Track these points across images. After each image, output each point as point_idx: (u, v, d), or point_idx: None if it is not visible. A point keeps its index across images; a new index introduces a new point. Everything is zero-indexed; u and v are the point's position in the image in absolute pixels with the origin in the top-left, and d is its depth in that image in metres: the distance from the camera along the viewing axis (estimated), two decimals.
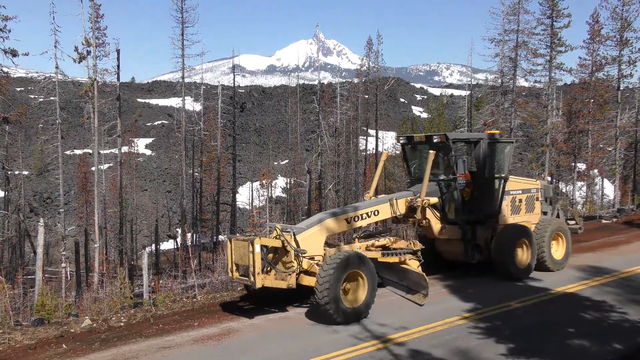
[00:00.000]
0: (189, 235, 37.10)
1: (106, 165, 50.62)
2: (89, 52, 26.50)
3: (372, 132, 45.36)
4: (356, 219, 10.50)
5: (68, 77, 29.11)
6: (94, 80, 26.63)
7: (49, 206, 64.89)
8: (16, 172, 43.57)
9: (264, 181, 48.49)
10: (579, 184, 37.29)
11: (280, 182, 64.36)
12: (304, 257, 9.43)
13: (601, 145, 35.14)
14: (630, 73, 32.45)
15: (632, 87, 36.56)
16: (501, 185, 12.00)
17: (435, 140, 11.36)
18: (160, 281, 21.43)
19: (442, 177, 11.78)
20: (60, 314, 12.11)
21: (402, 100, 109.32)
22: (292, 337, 8.49)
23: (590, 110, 33.66)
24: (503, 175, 12.03)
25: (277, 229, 9.45)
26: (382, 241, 10.99)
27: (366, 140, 47.17)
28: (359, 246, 10.55)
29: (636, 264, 13.17)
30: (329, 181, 41.43)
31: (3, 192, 34.51)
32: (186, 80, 35.65)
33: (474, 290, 11.05)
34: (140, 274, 20.07)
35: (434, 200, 11.22)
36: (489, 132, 12.53)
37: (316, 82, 55.00)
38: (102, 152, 37.60)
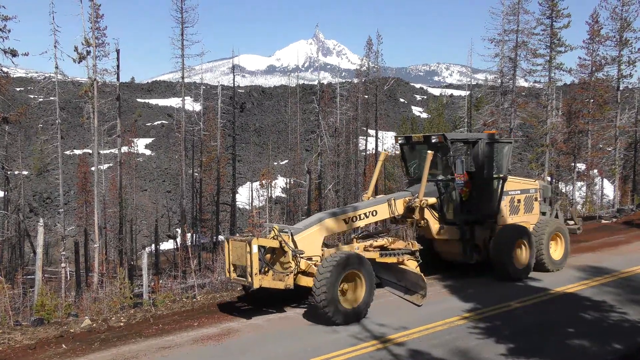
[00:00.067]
0: (188, 235, 37.10)
1: (106, 166, 50.63)
2: (88, 52, 26.50)
3: (371, 132, 45.37)
4: (354, 220, 10.47)
5: (68, 77, 29.12)
6: (93, 80, 26.62)
7: (49, 206, 64.88)
8: (16, 172, 43.57)
9: (263, 181, 48.49)
10: (579, 184, 37.30)
11: (280, 182, 64.37)
12: (302, 257, 9.41)
13: (601, 146, 35.16)
14: (630, 73, 32.50)
15: (631, 87, 36.57)
16: (500, 186, 11.98)
17: (433, 141, 11.33)
18: (160, 281, 21.44)
19: (440, 177, 11.77)
20: (60, 314, 12.11)
21: (401, 100, 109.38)
22: (292, 337, 8.49)
23: (590, 110, 33.67)
24: (502, 175, 12.02)
25: (275, 230, 9.42)
26: (380, 241, 10.97)
27: (366, 140, 47.17)
28: (357, 246, 10.53)
29: (636, 264, 13.17)
30: (328, 181, 41.44)
31: (3, 192, 34.49)
32: (186, 80, 35.66)
33: (473, 290, 11.05)
34: (140, 274, 20.07)
35: (432, 200, 11.20)
36: (487, 132, 12.52)
37: (316, 82, 55.01)
38: (101, 152, 37.59)
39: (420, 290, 10.07)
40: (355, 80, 48.25)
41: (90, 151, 39.56)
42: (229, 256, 9.43)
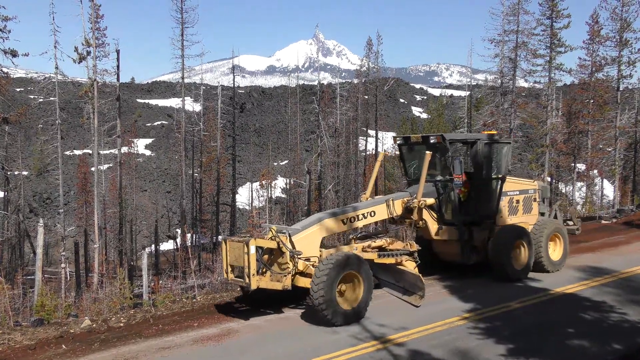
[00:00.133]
0: (188, 235, 37.10)
1: (106, 166, 50.65)
2: (88, 53, 26.49)
3: (371, 132, 45.36)
4: (352, 220, 10.46)
5: (68, 78, 29.12)
6: (93, 80, 26.62)
7: (49, 206, 64.88)
8: (16, 173, 43.57)
9: (263, 182, 48.51)
10: (579, 184, 37.29)
11: (280, 182, 64.39)
12: (300, 258, 9.39)
13: (601, 146, 35.16)
14: (630, 74, 32.50)
15: (631, 88, 36.55)
16: (498, 186, 11.96)
17: (432, 141, 11.31)
18: (160, 282, 21.43)
19: (439, 177, 11.75)
20: (60, 314, 12.13)
21: (401, 100, 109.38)
22: (292, 338, 8.49)
23: (590, 110, 33.68)
24: (500, 176, 12.01)
25: (273, 230, 9.40)
26: (379, 242, 10.96)
27: (366, 140, 47.16)
28: (355, 247, 10.52)
29: (636, 264, 13.17)
30: (328, 182, 41.44)
31: (3, 193, 34.49)
32: (186, 80, 35.66)
33: (473, 290, 11.05)
34: (140, 274, 20.06)
35: (430, 201, 11.18)
36: (486, 132, 12.51)
37: (316, 83, 55.02)
38: (101, 152, 37.61)
39: (419, 291, 10.06)
40: (355, 81, 48.25)
41: (90, 151, 39.57)
42: (227, 257, 9.41)
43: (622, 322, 8.87)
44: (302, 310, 9.89)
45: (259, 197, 52.97)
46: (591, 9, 34.29)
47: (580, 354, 7.57)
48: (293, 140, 57.90)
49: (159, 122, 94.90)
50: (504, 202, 12.23)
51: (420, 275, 10.24)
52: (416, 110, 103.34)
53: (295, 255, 9.30)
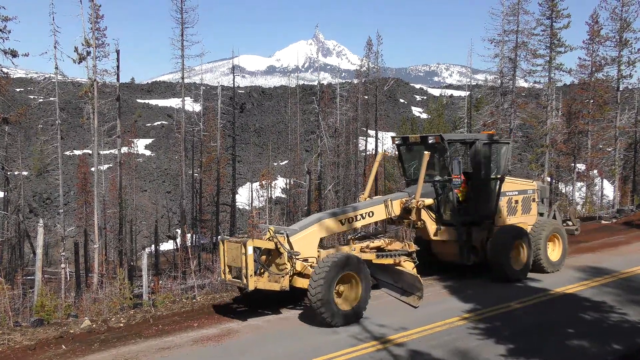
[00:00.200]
0: (188, 236, 37.11)
1: (106, 166, 50.64)
2: (88, 53, 26.51)
3: (371, 132, 45.38)
4: (350, 221, 10.43)
5: (68, 78, 29.12)
6: (93, 80, 26.63)
7: (49, 207, 64.88)
8: (16, 173, 43.57)
9: (263, 182, 48.54)
10: (579, 184, 37.30)
11: (280, 182, 64.39)
12: (298, 259, 9.36)
13: (601, 146, 35.16)
14: (630, 74, 32.50)
15: (631, 88, 36.55)
16: (497, 187, 11.95)
17: (430, 141, 11.27)
18: (160, 282, 21.43)
19: (437, 178, 11.72)
20: (60, 314, 12.13)
21: (401, 100, 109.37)
22: (292, 338, 8.49)
23: (590, 110, 33.69)
24: (499, 176, 11.99)
25: (271, 231, 9.38)
26: (377, 243, 10.94)
27: (366, 141, 47.17)
28: (354, 248, 10.50)
29: (636, 264, 13.16)
30: (328, 182, 41.45)
31: (3, 193, 34.49)
32: (186, 80, 35.68)
33: (473, 291, 11.05)
34: (140, 274, 20.07)
35: (429, 201, 11.15)
36: (485, 132, 12.49)
37: (316, 83, 55.04)
38: (101, 152, 37.62)
39: (417, 292, 10.04)
40: (355, 81, 48.26)
41: (90, 152, 39.56)
42: (224, 257, 9.40)
43: (622, 323, 8.87)
44: (301, 311, 9.88)
45: (259, 197, 53.00)
46: (591, 9, 34.36)
47: (580, 354, 7.57)
48: (293, 140, 57.91)
49: (158, 123, 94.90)
50: (502, 203, 12.21)
51: (419, 275, 10.22)
52: (416, 111, 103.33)
53: (293, 256, 9.27)
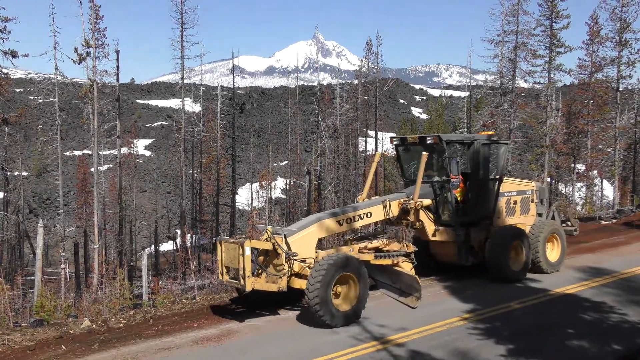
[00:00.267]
0: (188, 236, 37.10)
1: (106, 167, 50.62)
2: (88, 54, 26.51)
3: (371, 133, 45.40)
4: (348, 221, 10.40)
5: (67, 78, 29.12)
6: (93, 81, 26.64)
7: (49, 207, 64.86)
8: (15, 173, 43.59)
9: (263, 182, 48.58)
10: (579, 185, 37.32)
11: (280, 183, 64.39)
12: (295, 259, 9.34)
13: (600, 146, 35.17)
14: (630, 74, 32.54)
15: (631, 88, 36.61)
16: (496, 187, 11.94)
17: (428, 142, 11.24)
18: (160, 282, 21.43)
19: (435, 178, 11.70)
20: (60, 315, 12.13)
21: (401, 101, 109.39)
22: (292, 338, 8.49)
23: (590, 111, 33.71)
24: (498, 176, 11.98)
25: (268, 231, 9.36)
26: (375, 243, 10.91)
27: (365, 141, 47.19)
28: (351, 248, 10.49)
29: (636, 264, 13.16)
30: (328, 182, 41.47)
31: (2, 193, 34.50)
32: (186, 81, 35.70)
33: (473, 291, 11.04)
34: (140, 275, 20.08)
35: (427, 202, 11.10)
36: (483, 132, 12.49)
37: (316, 83, 55.10)
38: (101, 153, 37.60)
39: (415, 293, 10.01)
40: (355, 81, 48.33)
41: (90, 152, 39.59)
42: (222, 258, 9.36)
43: (622, 323, 8.87)
44: (298, 312, 9.87)
45: (258, 197, 53.00)
46: (591, 9, 34.40)
47: (580, 354, 7.57)
48: (293, 140, 57.93)
49: (158, 123, 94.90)
50: (501, 203, 12.18)
51: (417, 276, 10.21)
52: (416, 111, 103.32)
53: (291, 257, 9.24)
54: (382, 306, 10.08)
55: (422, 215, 11.13)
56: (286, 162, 69.33)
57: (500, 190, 12.02)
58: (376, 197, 12.53)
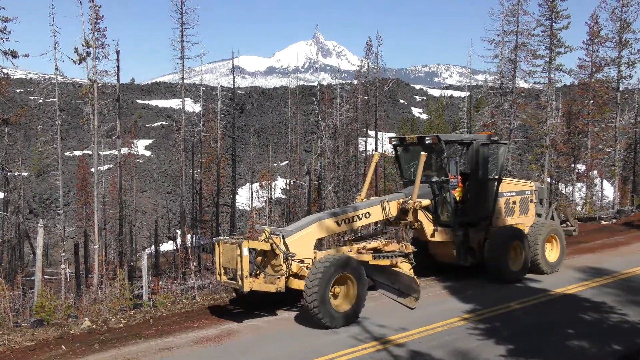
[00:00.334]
0: (188, 236, 37.10)
1: (106, 167, 50.61)
2: (88, 54, 26.51)
3: (371, 133, 45.41)
4: (347, 222, 10.38)
5: (68, 79, 29.12)
6: (93, 81, 26.64)
7: (49, 207, 64.87)
8: (16, 174, 43.59)
9: (263, 182, 48.56)
10: (579, 185, 37.32)
11: (280, 183, 64.40)
12: (294, 260, 9.32)
13: (600, 147, 35.18)
14: (630, 74, 32.55)
15: (631, 89, 36.61)
16: (495, 187, 11.92)
17: (427, 142, 11.22)
18: (160, 282, 21.43)
19: (434, 179, 11.68)
20: (60, 315, 12.13)
21: (401, 101, 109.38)
22: (292, 338, 8.49)
23: (590, 111, 33.71)
24: (497, 177, 11.98)
25: (266, 232, 9.35)
26: (374, 244, 10.90)
27: (366, 141, 47.19)
28: (350, 249, 10.48)
29: (636, 265, 13.17)
30: (328, 182, 41.47)
31: (3, 194, 34.50)
32: (186, 81, 35.69)
33: (473, 291, 11.04)
34: (140, 275, 20.08)
35: (425, 202, 11.09)
36: (482, 133, 12.47)
37: (316, 84, 55.11)
38: (101, 153, 37.60)
39: (414, 293, 10.00)
40: (355, 82, 48.33)
41: (90, 152, 39.59)
42: (219, 259, 9.34)
43: (622, 323, 8.87)
44: (297, 313, 9.86)
45: (258, 197, 52.98)
46: (591, 10, 34.39)
47: (580, 354, 7.58)
48: (293, 141, 57.95)
49: (158, 123, 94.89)
50: (500, 203, 12.16)
51: (416, 277, 10.20)
52: (416, 111, 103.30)
53: (289, 257, 9.22)
54: (382, 306, 10.08)
55: (421, 216, 11.12)
56: (286, 162, 69.35)
57: (500, 191, 12.01)
58: (375, 197, 12.50)
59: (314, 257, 9.66)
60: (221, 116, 41.86)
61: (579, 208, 31.81)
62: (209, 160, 43.17)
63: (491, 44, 31.75)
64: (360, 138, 47.46)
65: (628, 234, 18.68)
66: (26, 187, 57.46)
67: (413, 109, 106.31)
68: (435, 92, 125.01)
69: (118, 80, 29.34)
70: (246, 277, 8.70)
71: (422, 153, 10.92)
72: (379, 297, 10.66)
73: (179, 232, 43.56)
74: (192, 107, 51.95)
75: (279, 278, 9.12)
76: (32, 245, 33.59)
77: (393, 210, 10.97)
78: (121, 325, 9.66)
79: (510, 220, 12.35)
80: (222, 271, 9.38)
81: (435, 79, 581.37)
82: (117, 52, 28.65)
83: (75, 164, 64.27)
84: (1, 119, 25.84)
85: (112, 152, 47.04)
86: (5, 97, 27.11)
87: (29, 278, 25.07)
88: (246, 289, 8.74)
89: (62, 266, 26.70)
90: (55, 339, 8.87)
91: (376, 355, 7.67)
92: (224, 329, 9.06)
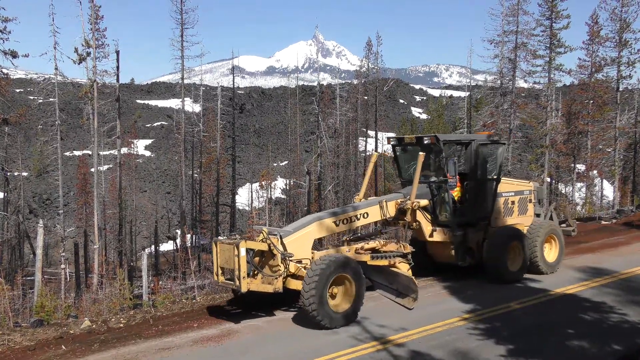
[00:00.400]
0: (188, 236, 37.10)
1: (106, 167, 50.61)
2: (88, 54, 26.51)
3: (371, 133, 45.41)
4: (345, 222, 10.36)
5: (67, 79, 29.11)
6: (93, 81, 26.64)
7: (49, 207, 64.86)
8: (15, 174, 43.60)
9: (263, 182, 48.58)
10: (579, 185, 37.31)
11: (280, 183, 64.40)
12: (291, 260, 9.30)
13: (600, 147, 35.18)
14: (630, 74, 32.53)
15: (631, 88, 36.59)
16: (493, 187, 11.90)
17: (425, 142, 11.20)
18: (160, 282, 21.43)
19: (433, 179, 11.65)
20: (60, 315, 12.13)
21: (401, 101, 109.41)
22: (292, 338, 8.49)
23: (590, 111, 33.71)
24: (495, 177, 11.97)
25: (264, 232, 9.33)
26: (372, 244, 10.89)
27: (365, 141, 47.20)
28: (349, 249, 10.47)
29: (636, 265, 13.17)
30: (328, 182, 41.48)
31: (3, 194, 34.50)
32: (186, 81, 35.69)
33: (473, 291, 11.04)
34: (140, 275, 20.08)
35: (424, 202, 11.06)
36: (482, 132, 12.46)
37: (315, 84, 55.10)
38: (101, 153, 37.61)
39: (412, 294, 9.98)
40: (355, 82, 48.35)
41: (90, 152, 39.60)
42: (217, 259, 9.33)
43: (622, 323, 8.87)
44: (295, 313, 9.84)
45: (258, 197, 53.00)
46: (591, 10, 34.39)
47: (580, 354, 7.58)
48: (293, 141, 57.96)
49: (158, 123, 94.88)
50: (499, 204, 12.13)
51: (414, 277, 10.19)
52: (416, 111, 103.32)
53: (287, 258, 9.20)
54: (382, 306, 10.08)
55: (419, 216, 11.10)
56: (286, 162, 69.34)
57: (498, 191, 12.00)
58: (373, 197, 12.47)
59: (312, 258, 9.64)
60: (221, 116, 41.86)
61: (579, 208, 31.81)
62: (208, 160, 43.18)
63: (491, 44, 31.79)
64: (360, 138, 47.47)
65: (628, 234, 18.68)
66: (26, 187, 57.47)
67: (413, 109, 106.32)
68: (435, 92, 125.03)
69: (118, 80, 29.34)
70: (244, 277, 8.68)
71: (421, 153, 10.90)
72: (378, 297, 10.66)
73: (178, 232, 43.58)
74: (192, 107, 51.93)
75: (276, 278, 9.09)
76: (32, 245, 33.59)
77: (391, 210, 10.95)
78: (121, 325, 9.66)
79: (509, 221, 12.32)
80: (220, 271, 9.38)
81: (435, 79, 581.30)
82: (117, 52, 28.68)
83: (75, 164, 64.28)
84: (1, 119, 25.84)
85: (112, 152, 47.09)
86: (5, 97, 27.11)
87: (29, 278, 25.07)
88: (244, 289, 8.72)
89: (62, 266, 26.70)
90: (55, 339, 8.87)
91: (376, 355, 7.67)
92: (224, 329, 9.06)
